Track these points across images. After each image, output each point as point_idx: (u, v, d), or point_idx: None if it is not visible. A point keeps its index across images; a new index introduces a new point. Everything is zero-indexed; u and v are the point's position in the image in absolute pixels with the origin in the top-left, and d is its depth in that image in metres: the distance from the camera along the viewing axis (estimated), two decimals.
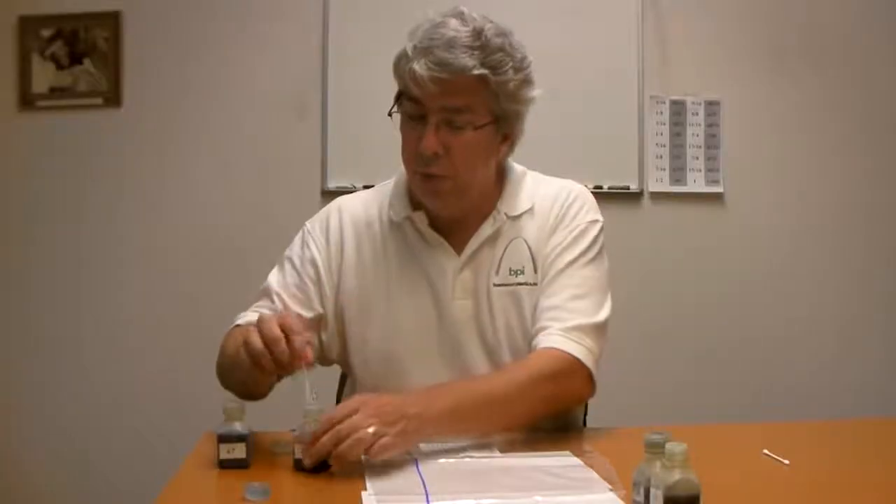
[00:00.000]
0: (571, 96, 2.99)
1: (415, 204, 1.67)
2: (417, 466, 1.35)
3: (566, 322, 1.57)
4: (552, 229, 1.66)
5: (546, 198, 1.69)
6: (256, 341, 1.36)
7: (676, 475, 1.07)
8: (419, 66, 1.50)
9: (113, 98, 3.14)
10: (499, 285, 1.64)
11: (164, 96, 3.14)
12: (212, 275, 3.12)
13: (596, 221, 1.69)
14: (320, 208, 1.76)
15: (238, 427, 1.34)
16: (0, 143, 3.14)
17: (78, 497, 3.09)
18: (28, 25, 3.13)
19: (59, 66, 3.13)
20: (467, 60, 1.51)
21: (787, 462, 1.39)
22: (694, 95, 3.19)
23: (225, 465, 1.34)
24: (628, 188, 3.15)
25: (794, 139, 3.23)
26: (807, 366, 3.18)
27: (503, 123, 1.60)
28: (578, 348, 1.56)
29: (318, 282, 1.67)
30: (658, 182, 3.19)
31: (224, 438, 1.34)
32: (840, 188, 3.22)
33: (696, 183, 3.20)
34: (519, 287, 1.64)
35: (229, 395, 1.53)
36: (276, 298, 1.66)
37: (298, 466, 1.33)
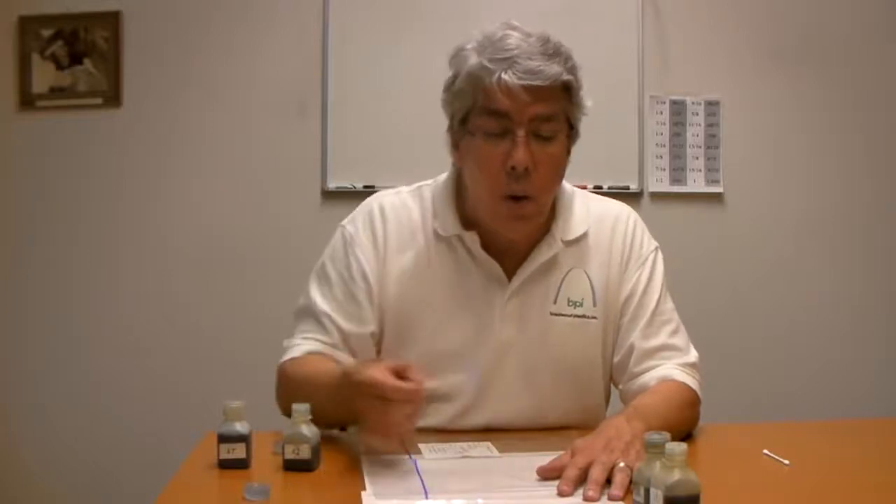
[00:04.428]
0: None
1: (465, 221, 1.60)
2: (417, 466, 1.35)
3: (679, 359, 1.63)
4: (622, 265, 1.64)
5: (601, 225, 1.65)
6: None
7: (676, 475, 1.08)
8: (509, 76, 1.46)
9: (113, 98, 3.13)
10: (556, 314, 1.61)
11: (164, 96, 3.14)
12: (212, 275, 3.12)
13: (657, 248, 1.69)
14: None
15: (238, 427, 1.34)
16: (0, 143, 3.14)
17: (78, 497, 3.09)
18: (28, 25, 3.12)
19: (59, 66, 3.13)
20: (555, 67, 1.48)
21: (787, 462, 1.39)
22: (694, 95, 3.19)
23: (225, 465, 1.33)
24: (628, 188, 3.15)
25: (794, 139, 3.22)
26: (807, 366, 3.18)
27: (573, 135, 1.57)
28: (696, 384, 1.61)
29: (369, 295, 1.58)
30: (658, 182, 3.19)
31: (224, 438, 1.34)
32: (840, 188, 3.22)
33: (696, 183, 3.20)
34: (576, 319, 1.61)
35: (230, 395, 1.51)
36: (326, 321, 1.57)
37: (288, 466, 1.33)
